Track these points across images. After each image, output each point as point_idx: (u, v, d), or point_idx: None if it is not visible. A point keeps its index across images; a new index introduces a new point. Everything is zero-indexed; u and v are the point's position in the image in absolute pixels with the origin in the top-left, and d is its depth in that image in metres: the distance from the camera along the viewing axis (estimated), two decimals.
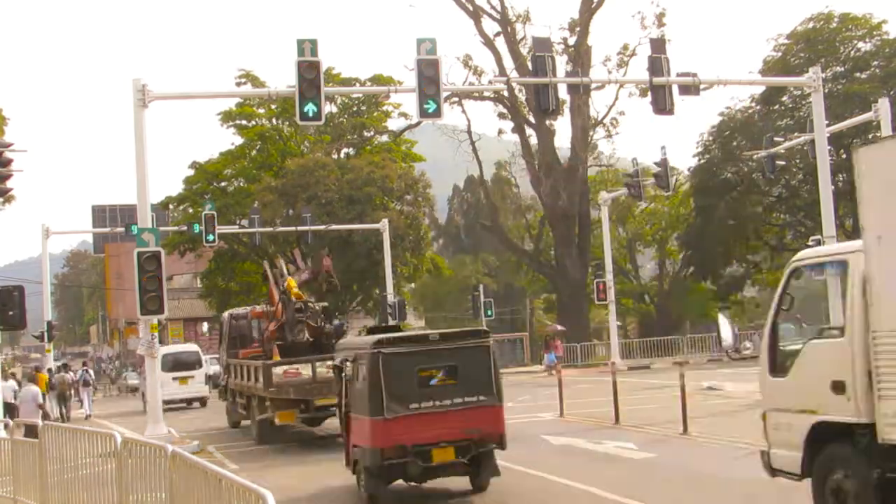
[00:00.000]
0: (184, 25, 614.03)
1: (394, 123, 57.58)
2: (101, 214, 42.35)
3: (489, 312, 46.68)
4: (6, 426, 16.80)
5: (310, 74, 19.86)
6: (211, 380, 36.98)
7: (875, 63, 46.70)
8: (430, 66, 20.40)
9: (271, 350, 20.36)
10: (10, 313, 17.90)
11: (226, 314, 26.28)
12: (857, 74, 46.46)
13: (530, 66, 23.22)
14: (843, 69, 46.65)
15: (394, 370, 11.72)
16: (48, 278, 41.57)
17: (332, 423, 21.61)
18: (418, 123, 52.09)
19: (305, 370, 18.78)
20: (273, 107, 53.82)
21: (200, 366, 36.55)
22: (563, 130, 75.57)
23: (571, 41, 52.22)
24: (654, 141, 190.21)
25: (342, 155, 55.84)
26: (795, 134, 31.36)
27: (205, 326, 67.68)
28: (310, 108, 19.90)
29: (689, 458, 14.46)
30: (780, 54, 48.26)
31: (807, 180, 45.52)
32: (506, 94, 51.20)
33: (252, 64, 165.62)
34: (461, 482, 12.83)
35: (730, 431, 16.34)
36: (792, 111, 47.42)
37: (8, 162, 19.52)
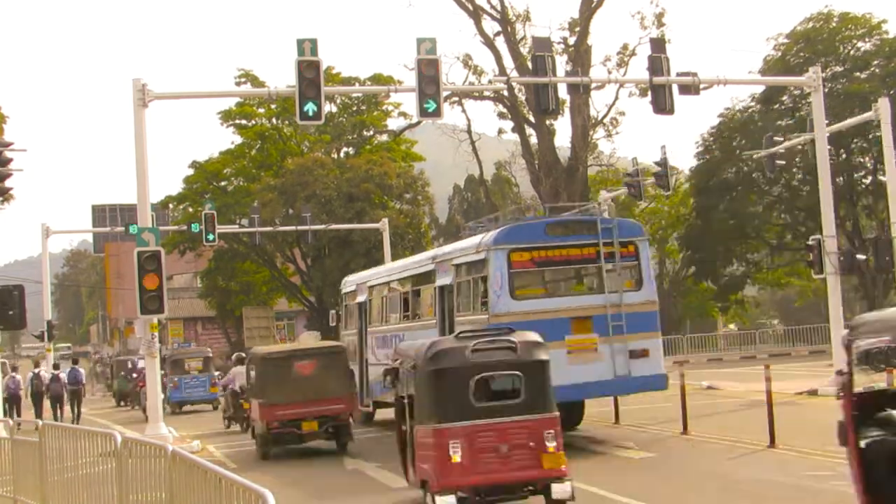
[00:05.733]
0: (184, 25, 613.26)
1: (394, 123, 57.57)
2: (101, 214, 42.37)
3: None
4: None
5: (310, 74, 19.79)
6: None
7: (875, 63, 46.63)
8: (430, 66, 20.36)
9: None
10: (10, 313, 17.92)
11: None
12: (857, 74, 46.40)
13: (530, 66, 23.18)
14: (842, 69, 46.58)
15: None
16: (48, 278, 41.54)
17: None
18: (418, 123, 51.98)
19: None
20: (273, 106, 53.82)
21: None
22: (563, 130, 75.47)
23: (571, 41, 52.09)
24: (654, 141, 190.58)
25: (342, 154, 55.84)
26: (795, 134, 31.28)
27: None
28: (310, 107, 19.84)
29: (689, 458, 14.46)
30: (779, 54, 48.20)
31: (807, 180, 45.46)
32: (506, 93, 51.06)
33: (252, 64, 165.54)
34: None
35: (730, 431, 16.35)
36: (792, 111, 47.35)
37: (7, 161, 19.52)
